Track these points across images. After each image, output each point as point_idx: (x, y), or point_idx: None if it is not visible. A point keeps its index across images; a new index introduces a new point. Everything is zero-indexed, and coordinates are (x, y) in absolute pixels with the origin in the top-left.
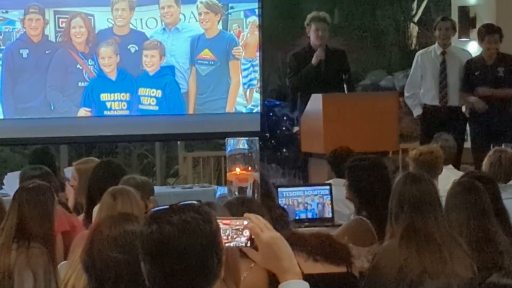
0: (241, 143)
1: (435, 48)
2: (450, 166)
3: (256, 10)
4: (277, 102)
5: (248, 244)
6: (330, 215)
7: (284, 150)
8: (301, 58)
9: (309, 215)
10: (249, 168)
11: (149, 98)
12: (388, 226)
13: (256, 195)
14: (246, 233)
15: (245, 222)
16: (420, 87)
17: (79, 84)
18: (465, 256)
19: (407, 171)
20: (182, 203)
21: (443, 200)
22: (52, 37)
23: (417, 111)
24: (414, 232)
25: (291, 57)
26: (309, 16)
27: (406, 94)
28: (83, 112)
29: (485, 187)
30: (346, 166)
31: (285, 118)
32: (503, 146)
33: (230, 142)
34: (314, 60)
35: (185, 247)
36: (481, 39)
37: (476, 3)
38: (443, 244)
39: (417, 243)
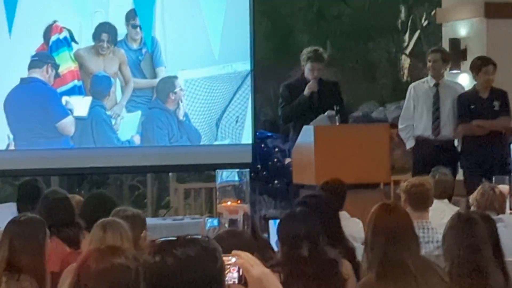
0: (232, 175)
1: (428, 80)
2: (446, 200)
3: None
4: (269, 133)
5: (238, 281)
6: None
7: (276, 181)
8: (294, 88)
9: None
10: (240, 200)
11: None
12: (364, 256)
13: (246, 227)
14: (236, 269)
15: (234, 259)
16: (414, 119)
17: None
18: (443, 284)
19: (382, 202)
20: (190, 236)
21: (438, 234)
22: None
23: (410, 143)
24: (389, 264)
25: (283, 87)
26: (306, 52)
27: (400, 126)
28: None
29: (484, 224)
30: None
31: (276, 149)
32: (494, 180)
33: (221, 174)
34: (306, 91)
35: (186, 282)
36: (476, 71)
37: (467, 35)
38: (419, 274)
39: (394, 276)
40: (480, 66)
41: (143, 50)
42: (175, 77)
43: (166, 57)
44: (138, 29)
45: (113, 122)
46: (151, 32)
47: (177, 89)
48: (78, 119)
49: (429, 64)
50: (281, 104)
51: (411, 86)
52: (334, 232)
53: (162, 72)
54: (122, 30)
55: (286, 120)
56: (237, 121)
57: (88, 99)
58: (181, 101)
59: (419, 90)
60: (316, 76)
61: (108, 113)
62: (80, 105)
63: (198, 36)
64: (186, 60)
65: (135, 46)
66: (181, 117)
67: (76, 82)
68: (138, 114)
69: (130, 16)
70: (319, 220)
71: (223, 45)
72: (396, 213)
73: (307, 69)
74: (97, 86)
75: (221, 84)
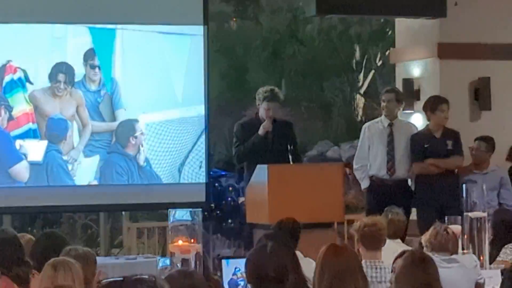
0: (184, 214)
1: (382, 120)
2: (398, 240)
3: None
4: (223, 172)
5: None
6: None
7: (229, 220)
8: (248, 128)
9: None
10: (192, 240)
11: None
12: None
13: (198, 267)
14: None
15: None
16: (368, 159)
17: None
18: None
19: (330, 243)
20: (136, 276)
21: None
22: None
23: (365, 183)
24: None
25: (238, 126)
26: (262, 92)
27: (355, 166)
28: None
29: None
30: None
31: (230, 188)
32: (446, 220)
33: (173, 213)
34: (261, 131)
35: None
36: (430, 111)
37: (420, 75)
38: None
39: None
40: (435, 104)
41: (102, 92)
42: (136, 120)
43: (126, 99)
44: (96, 69)
45: (69, 167)
46: (110, 73)
47: (137, 133)
48: (32, 164)
49: (383, 104)
50: (235, 143)
51: (365, 126)
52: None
53: (122, 115)
54: (80, 71)
55: (240, 160)
56: (200, 167)
57: (44, 143)
58: (142, 146)
59: (373, 130)
60: (271, 116)
61: (65, 157)
62: (35, 149)
63: (159, 77)
64: (147, 102)
65: (93, 87)
66: (141, 163)
67: (30, 125)
68: (96, 159)
69: (89, 55)
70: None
71: (186, 87)
72: (344, 254)
73: (263, 108)
74: (53, 130)
75: (184, 128)
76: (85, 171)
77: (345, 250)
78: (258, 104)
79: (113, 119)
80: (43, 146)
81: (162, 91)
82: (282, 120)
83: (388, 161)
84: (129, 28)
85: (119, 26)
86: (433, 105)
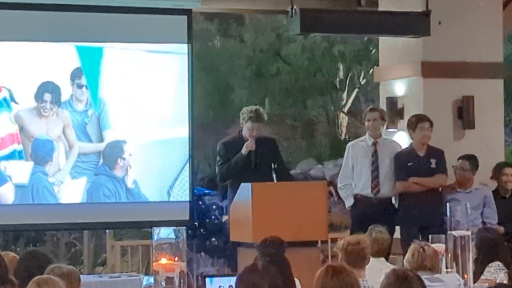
0: (169, 232)
1: (366, 138)
2: (382, 258)
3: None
4: (207, 191)
5: None
6: None
7: (213, 239)
8: (231, 147)
9: None
10: (176, 258)
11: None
12: None
13: (182, 285)
14: None
15: None
16: (353, 178)
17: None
18: None
19: (328, 264)
20: None
21: None
22: None
23: (349, 202)
24: None
25: (221, 145)
26: (247, 112)
27: (339, 185)
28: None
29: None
30: None
31: (214, 206)
32: (430, 238)
33: (157, 231)
34: (244, 150)
35: None
36: (412, 129)
37: (404, 94)
38: None
39: None
40: (416, 123)
41: (89, 112)
42: (124, 141)
43: (114, 119)
44: (84, 89)
45: (55, 190)
46: (97, 92)
47: (125, 154)
48: (17, 186)
49: (367, 123)
50: (218, 162)
51: (349, 144)
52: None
53: (110, 136)
54: (66, 90)
55: (223, 179)
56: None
57: (29, 165)
58: (130, 167)
59: (357, 149)
60: (254, 135)
61: (51, 179)
62: (20, 171)
63: (147, 97)
64: (136, 122)
65: (80, 107)
66: (130, 184)
67: (16, 146)
68: (83, 180)
69: (76, 74)
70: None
71: (174, 106)
72: (343, 275)
73: (246, 128)
74: (38, 151)
75: (173, 148)
76: (71, 193)
77: (343, 270)
78: (242, 124)
79: (101, 140)
80: (29, 167)
81: (150, 111)
82: (264, 137)
83: (372, 180)
84: (117, 47)
85: (106, 44)
86: (415, 124)
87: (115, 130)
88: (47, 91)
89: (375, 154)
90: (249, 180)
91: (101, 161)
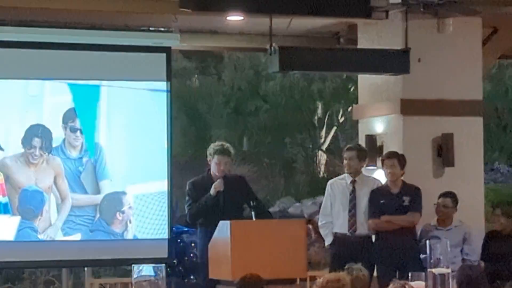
0: (148, 270)
1: (345, 177)
2: None
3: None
4: (186, 228)
5: None
6: None
7: (192, 277)
8: (199, 186)
9: None
10: None
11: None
12: None
13: None
14: None
15: None
16: (332, 216)
17: None
18: None
19: None
20: None
21: None
22: None
23: (328, 240)
24: None
25: (189, 185)
26: (213, 146)
27: (319, 224)
28: None
29: None
30: None
31: (193, 244)
32: (410, 276)
33: (137, 269)
34: (212, 191)
35: None
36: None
37: (383, 131)
38: None
39: None
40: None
41: (84, 159)
42: (123, 193)
43: (112, 167)
44: (78, 133)
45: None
46: (93, 137)
47: (125, 207)
48: (2, 243)
49: (345, 161)
50: (187, 202)
51: (329, 183)
52: None
53: (107, 186)
54: (58, 134)
55: (193, 219)
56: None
57: (16, 220)
58: (130, 222)
59: (336, 187)
60: (223, 170)
61: (41, 236)
62: (5, 226)
63: (149, 143)
64: (136, 171)
65: (74, 153)
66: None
67: (0, 198)
68: (77, 238)
69: (69, 117)
70: None
71: (154, 145)
72: None
73: (214, 163)
74: (26, 204)
75: (153, 185)
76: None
77: None
78: (209, 159)
79: (97, 191)
80: (15, 223)
81: (153, 158)
82: (233, 175)
83: (350, 219)
84: (115, 85)
85: (104, 82)
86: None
87: (113, 180)
88: (36, 136)
89: (353, 193)
90: (219, 220)
91: (98, 215)
